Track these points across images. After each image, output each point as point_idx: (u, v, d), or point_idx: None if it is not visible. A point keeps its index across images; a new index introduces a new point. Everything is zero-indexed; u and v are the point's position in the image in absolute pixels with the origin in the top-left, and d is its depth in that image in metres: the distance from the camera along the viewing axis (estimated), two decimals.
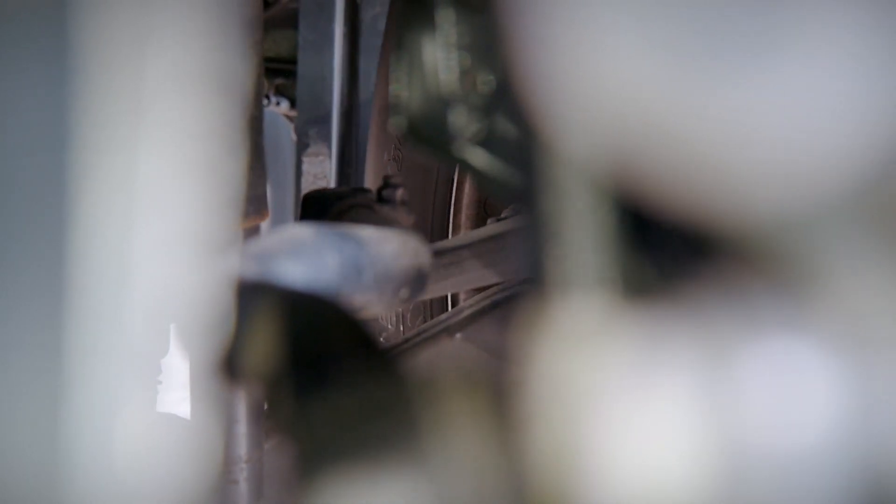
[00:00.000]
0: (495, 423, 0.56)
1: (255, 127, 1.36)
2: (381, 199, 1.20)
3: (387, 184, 1.21)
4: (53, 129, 0.45)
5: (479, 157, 0.65)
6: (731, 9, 0.43)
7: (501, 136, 0.64)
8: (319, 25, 2.28)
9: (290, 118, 2.51)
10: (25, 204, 0.45)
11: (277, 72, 2.49)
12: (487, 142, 0.65)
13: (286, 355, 0.66)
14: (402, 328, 1.82)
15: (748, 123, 0.43)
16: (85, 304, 0.45)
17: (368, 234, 0.95)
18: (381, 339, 1.77)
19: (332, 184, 2.27)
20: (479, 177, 0.66)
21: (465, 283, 1.24)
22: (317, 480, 0.56)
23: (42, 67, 0.45)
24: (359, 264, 0.92)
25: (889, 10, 0.42)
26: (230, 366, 0.68)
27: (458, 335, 1.18)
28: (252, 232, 1.40)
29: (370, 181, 1.88)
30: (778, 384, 0.46)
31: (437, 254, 1.19)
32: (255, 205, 1.37)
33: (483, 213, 1.84)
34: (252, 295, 0.72)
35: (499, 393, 0.57)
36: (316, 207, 1.20)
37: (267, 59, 2.41)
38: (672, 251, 0.50)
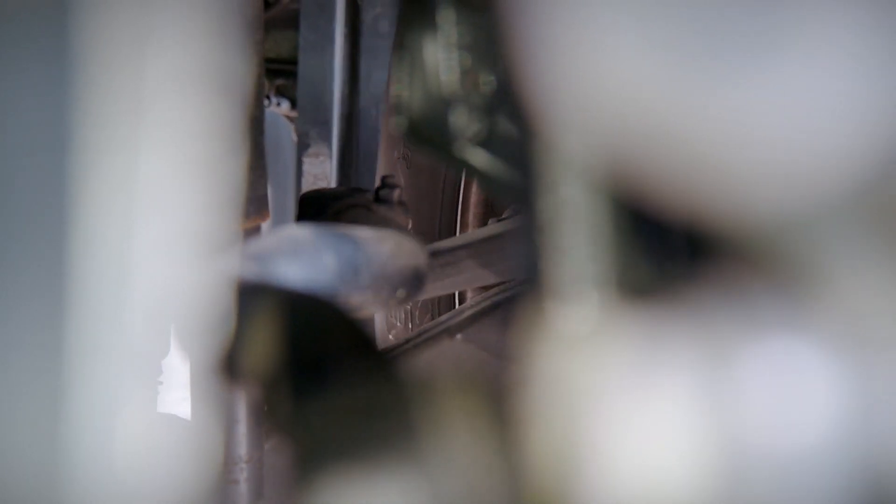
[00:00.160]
0: (494, 424, 0.56)
1: (256, 127, 1.36)
2: (378, 199, 1.20)
3: (384, 184, 1.21)
4: (53, 129, 0.45)
5: (479, 157, 0.65)
6: (731, 9, 0.43)
7: (502, 136, 0.64)
8: (320, 26, 2.28)
9: (290, 119, 2.51)
10: (26, 204, 0.45)
11: (278, 72, 2.49)
12: (488, 142, 0.65)
13: (283, 355, 0.66)
14: (410, 325, 1.82)
15: (748, 123, 0.43)
16: (85, 304, 0.45)
17: (365, 234, 0.95)
18: (388, 338, 1.77)
19: (333, 184, 2.27)
20: (480, 177, 0.66)
21: (462, 284, 1.24)
22: (315, 480, 0.56)
23: (42, 67, 0.45)
24: (356, 264, 0.92)
25: (889, 10, 0.42)
26: (230, 366, 0.68)
27: (459, 336, 1.18)
28: (253, 232, 1.40)
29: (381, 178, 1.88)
30: (778, 384, 0.46)
31: (434, 254, 1.19)
32: (255, 205, 1.37)
33: (491, 212, 1.85)
34: (249, 295, 0.72)
35: (499, 393, 0.57)
36: (313, 208, 1.20)
37: (268, 60, 2.41)
38: (672, 251, 0.50)
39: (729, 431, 0.47)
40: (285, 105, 2.49)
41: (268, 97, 2.46)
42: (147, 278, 0.46)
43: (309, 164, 2.28)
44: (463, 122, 0.66)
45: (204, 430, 0.48)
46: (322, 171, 2.27)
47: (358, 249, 0.92)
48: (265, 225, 1.44)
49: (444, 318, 1.20)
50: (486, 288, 1.28)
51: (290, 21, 2.39)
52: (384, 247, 0.95)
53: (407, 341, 1.17)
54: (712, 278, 0.48)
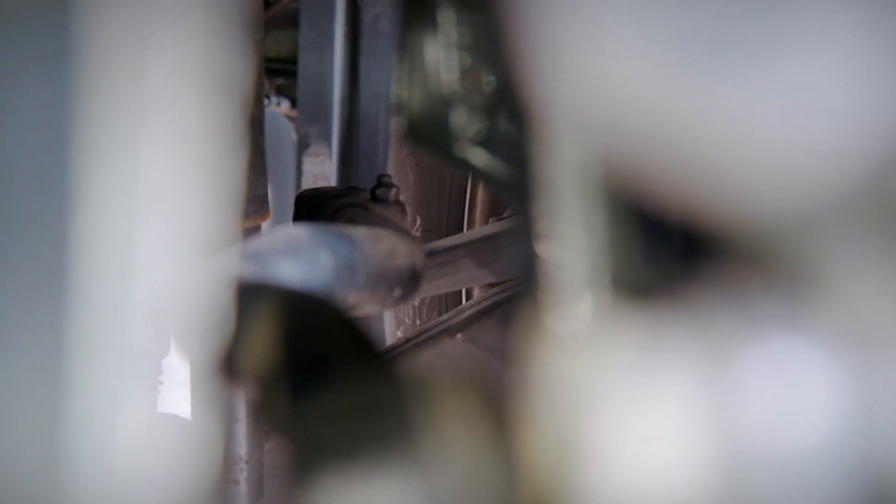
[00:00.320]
0: (494, 424, 0.56)
1: (257, 127, 1.36)
2: (374, 198, 1.20)
3: (380, 183, 1.21)
4: (54, 129, 0.45)
5: (479, 157, 0.65)
6: (731, 9, 0.43)
7: (502, 136, 0.64)
8: (320, 25, 2.28)
9: (290, 118, 2.51)
10: (26, 204, 0.45)
11: (278, 72, 2.48)
12: (488, 142, 0.65)
13: (281, 355, 0.66)
14: (419, 322, 1.82)
15: (748, 123, 0.43)
16: (85, 304, 0.45)
17: (362, 233, 0.95)
18: (396, 334, 1.77)
19: (334, 184, 2.27)
20: (480, 177, 0.66)
21: (460, 283, 1.24)
22: (313, 480, 0.56)
23: (42, 67, 0.45)
24: (352, 263, 0.92)
25: (889, 10, 0.42)
26: (230, 366, 0.68)
27: (459, 336, 1.18)
28: (253, 232, 1.40)
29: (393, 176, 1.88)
30: (778, 384, 0.46)
31: (432, 254, 1.19)
32: (256, 205, 1.37)
33: (498, 209, 1.85)
34: (247, 295, 0.73)
35: (498, 393, 0.57)
36: (310, 207, 1.20)
37: (268, 59, 2.41)
38: (672, 251, 0.50)
39: (729, 431, 0.47)
40: (285, 105, 2.49)
41: (268, 97, 2.46)
42: (147, 278, 0.46)
43: (309, 164, 2.28)
44: (463, 122, 0.66)
45: (204, 430, 0.48)
46: (322, 171, 2.27)
47: (354, 248, 0.92)
48: (265, 225, 1.44)
49: (444, 317, 1.20)
50: (492, 286, 1.28)
51: (290, 20, 2.39)
52: (381, 246, 0.95)
53: (407, 341, 1.17)
54: (712, 278, 0.48)
